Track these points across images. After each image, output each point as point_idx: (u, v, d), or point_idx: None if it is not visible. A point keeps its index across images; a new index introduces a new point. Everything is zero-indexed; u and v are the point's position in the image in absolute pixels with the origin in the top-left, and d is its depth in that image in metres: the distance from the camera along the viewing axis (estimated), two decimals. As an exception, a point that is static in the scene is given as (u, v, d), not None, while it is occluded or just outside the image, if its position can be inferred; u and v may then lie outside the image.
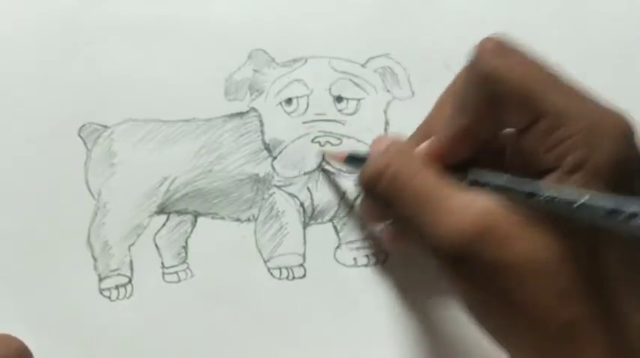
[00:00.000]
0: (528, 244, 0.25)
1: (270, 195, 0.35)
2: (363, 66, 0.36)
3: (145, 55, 0.37)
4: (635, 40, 0.38)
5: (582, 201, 0.23)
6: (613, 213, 0.23)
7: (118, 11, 0.37)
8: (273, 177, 0.35)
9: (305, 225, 0.35)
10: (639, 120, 0.26)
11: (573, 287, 0.25)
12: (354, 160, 0.33)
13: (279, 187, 0.35)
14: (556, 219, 0.25)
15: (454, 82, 0.30)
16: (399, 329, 0.34)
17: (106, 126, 0.36)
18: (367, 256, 0.34)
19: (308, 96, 0.36)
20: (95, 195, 0.35)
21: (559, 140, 0.25)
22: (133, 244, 0.35)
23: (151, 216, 0.35)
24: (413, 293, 0.34)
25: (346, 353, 0.33)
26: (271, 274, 0.34)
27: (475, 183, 0.27)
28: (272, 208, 0.35)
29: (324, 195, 0.35)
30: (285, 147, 0.35)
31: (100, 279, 0.34)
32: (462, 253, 0.25)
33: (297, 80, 0.36)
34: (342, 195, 0.35)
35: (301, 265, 0.34)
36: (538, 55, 0.27)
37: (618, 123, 0.25)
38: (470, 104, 0.27)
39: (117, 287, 0.34)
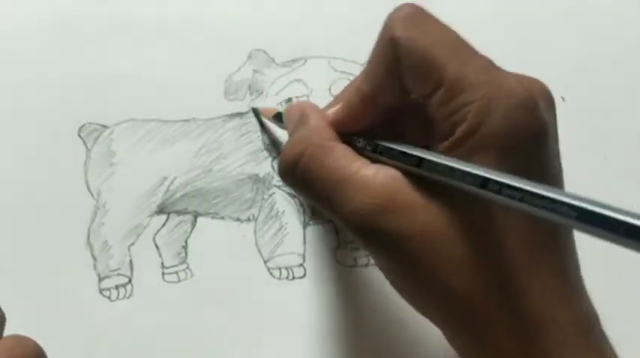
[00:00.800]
0: (427, 214, 0.25)
1: (270, 195, 0.35)
2: (362, 66, 0.36)
3: (145, 55, 0.37)
4: (635, 40, 0.38)
5: (458, 170, 0.24)
6: (485, 184, 0.23)
7: (118, 11, 0.37)
8: (273, 177, 0.35)
9: (305, 225, 0.35)
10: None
11: (469, 258, 0.25)
12: (279, 119, 0.33)
13: (279, 187, 0.35)
14: (450, 189, 0.25)
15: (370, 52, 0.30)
16: (399, 330, 0.34)
17: (106, 126, 0.36)
18: (367, 256, 0.35)
19: (308, 96, 0.36)
20: (95, 195, 0.35)
21: (455, 108, 0.25)
22: (132, 244, 0.35)
23: (150, 216, 0.35)
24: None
25: (346, 352, 0.33)
26: (271, 274, 0.34)
27: (376, 149, 0.27)
28: (272, 208, 0.35)
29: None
30: (285, 147, 0.35)
31: (100, 279, 0.34)
32: (368, 226, 0.26)
33: (297, 80, 0.36)
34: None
35: (301, 265, 0.34)
36: (448, 26, 0.27)
37: (516, 93, 0.25)
38: (372, 71, 0.28)
39: (117, 287, 0.34)
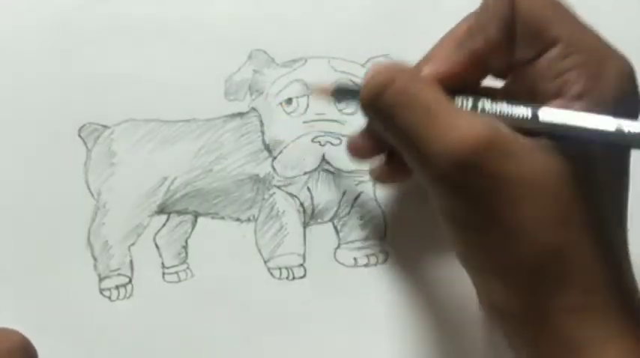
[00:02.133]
0: (532, 164, 0.25)
1: (271, 195, 0.35)
2: (363, 66, 0.36)
3: (145, 55, 0.37)
4: (636, 40, 0.38)
5: (588, 122, 0.25)
6: (618, 132, 0.24)
7: (118, 11, 0.37)
8: (273, 177, 0.35)
9: (305, 225, 0.35)
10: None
11: (569, 214, 0.25)
12: (342, 93, 0.32)
13: (279, 187, 0.35)
14: (558, 145, 0.25)
15: (466, 17, 0.30)
16: (400, 329, 0.34)
17: (106, 126, 0.36)
18: (367, 256, 0.35)
19: (308, 96, 0.36)
20: (95, 195, 0.35)
21: (567, 68, 0.26)
22: (133, 244, 0.35)
23: (151, 216, 0.35)
24: (413, 293, 0.34)
25: (346, 352, 0.33)
26: (271, 274, 0.34)
27: (475, 108, 0.27)
28: (272, 208, 0.35)
29: (324, 195, 0.35)
30: (285, 147, 0.35)
31: (100, 279, 0.34)
32: (466, 162, 0.25)
33: (297, 80, 0.36)
34: (342, 195, 0.35)
35: (301, 265, 0.34)
36: None
37: (623, 63, 0.26)
38: (484, 28, 0.27)
39: (117, 287, 0.34)
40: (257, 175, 0.35)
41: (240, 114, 0.36)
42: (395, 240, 0.35)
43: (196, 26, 0.37)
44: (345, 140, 0.34)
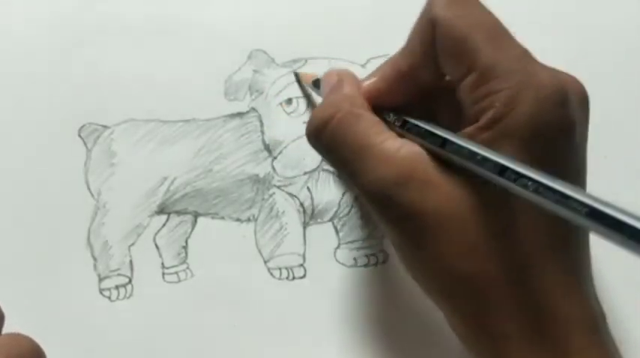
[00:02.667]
0: (444, 193, 0.25)
1: (270, 195, 0.35)
2: (363, 66, 0.36)
3: (145, 55, 0.37)
4: (636, 40, 0.38)
5: (477, 157, 0.24)
6: (502, 171, 0.23)
7: (118, 11, 0.37)
8: (273, 177, 0.35)
9: (305, 225, 0.35)
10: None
11: (481, 241, 0.25)
12: (318, 84, 0.33)
13: (279, 187, 0.35)
14: (473, 173, 0.25)
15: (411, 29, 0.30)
16: (400, 330, 0.34)
17: (106, 126, 0.36)
18: (367, 256, 0.35)
19: (308, 96, 0.36)
20: (95, 195, 0.35)
21: (484, 94, 0.25)
22: (133, 244, 0.35)
23: (151, 216, 0.35)
24: (413, 294, 0.34)
25: (346, 352, 0.33)
26: (271, 274, 0.34)
27: (404, 125, 0.28)
28: (272, 208, 0.35)
29: (324, 195, 0.35)
30: (285, 147, 0.35)
31: (100, 279, 0.34)
32: (385, 197, 0.26)
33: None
34: (342, 195, 0.35)
35: (301, 265, 0.34)
36: (489, 11, 0.27)
37: (546, 86, 0.25)
38: (411, 48, 0.28)
39: (117, 287, 0.34)
40: (257, 175, 0.35)
41: (240, 114, 0.36)
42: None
43: (196, 26, 0.37)
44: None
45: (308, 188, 0.35)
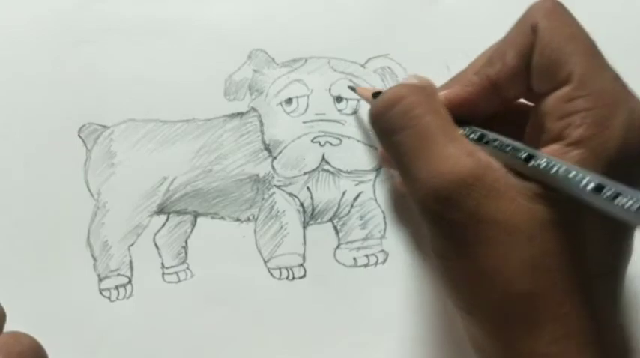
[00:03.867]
0: (511, 204, 0.24)
1: (270, 195, 0.35)
2: (362, 66, 0.36)
3: (144, 55, 0.37)
4: (635, 40, 0.38)
5: (570, 175, 0.23)
6: (597, 189, 0.22)
7: (118, 11, 0.37)
8: (273, 177, 0.35)
9: (305, 225, 0.35)
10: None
11: (543, 259, 0.24)
12: None
13: (279, 187, 0.35)
14: (547, 189, 0.24)
15: (491, 45, 0.30)
16: (400, 329, 0.34)
17: (106, 126, 0.36)
18: (367, 256, 0.34)
19: (308, 96, 0.36)
20: (95, 195, 0.35)
21: (573, 111, 0.25)
22: (132, 244, 0.35)
23: (150, 216, 0.35)
24: (413, 293, 0.34)
25: (346, 353, 0.33)
26: (271, 274, 0.34)
27: (480, 140, 0.27)
28: (272, 208, 0.35)
29: (324, 195, 0.35)
30: (285, 147, 0.35)
31: (100, 279, 0.34)
32: (447, 195, 0.25)
33: (297, 80, 0.36)
34: (342, 195, 0.35)
35: (301, 265, 0.34)
36: (585, 29, 0.27)
37: (636, 110, 0.25)
38: (503, 55, 0.27)
39: (117, 287, 0.34)
40: (257, 175, 0.35)
41: (240, 114, 0.36)
42: (395, 240, 0.35)
43: (196, 26, 0.37)
44: (344, 140, 0.34)
45: (308, 188, 0.35)
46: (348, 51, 0.36)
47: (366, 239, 0.35)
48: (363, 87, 0.35)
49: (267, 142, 0.35)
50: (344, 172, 0.35)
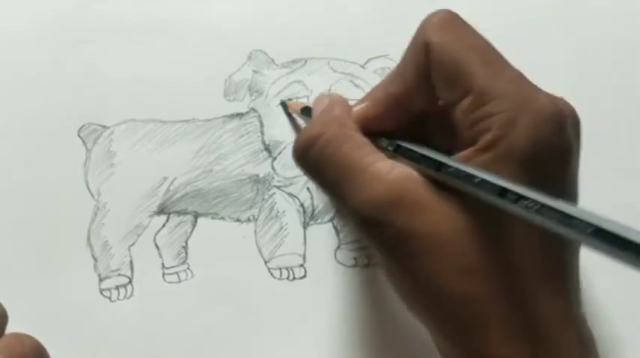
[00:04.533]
0: (437, 215, 0.25)
1: (270, 195, 0.35)
2: (362, 66, 0.36)
3: (144, 55, 0.37)
4: (636, 40, 0.38)
5: (475, 179, 0.24)
6: (503, 193, 0.23)
7: (118, 11, 0.37)
8: (273, 177, 0.35)
9: (305, 226, 0.35)
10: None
11: (476, 263, 0.25)
12: (307, 113, 0.33)
13: (279, 188, 0.35)
14: (466, 196, 0.25)
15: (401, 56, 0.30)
16: (399, 330, 0.34)
17: (105, 126, 0.36)
18: (367, 256, 0.35)
19: (308, 97, 0.36)
20: (95, 196, 0.35)
21: (480, 117, 0.25)
22: (133, 244, 0.35)
23: (150, 217, 0.35)
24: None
25: (346, 353, 0.33)
26: (271, 274, 0.34)
27: (397, 150, 0.27)
28: (272, 208, 0.35)
29: (324, 196, 0.35)
30: (285, 147, 0.35)
31: (100, 279, 0.34)
32: (375, 219, 0.26)
33: (297, 81, 0.36)
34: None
35: (301, 265, 0.34)
36: (482, 35, 0.27)
37: (544, 109, 0.25)
38: (403, 73, 0.28)
39: (117, 287, 0.34)
40: (257, 175, 0.35)
41: (240, 115, 0.36)
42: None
43: (196, 26, 0.37)
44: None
45: (308, 188, 0.35)
46: (347, 51, 0.36)
47: (366, 239, 0.35)
48: (292, 101, 0.35)
49: (267, 143, 0.35)
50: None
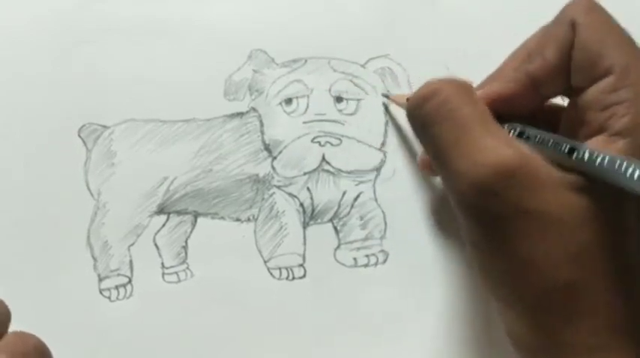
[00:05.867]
0: (555, 195, 0.24)
1: (270, 195, 0.35)
2: (362, 66, 0.36)
3: (144, 55, 0.37)
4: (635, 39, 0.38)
5: (615, 164, 0.23)
6: None
7: (118, 11, 0.37)
8: (273, 177, 0.35)
9: (305, 225, 0.35)
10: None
11: (586, 250, 0.24)
12: None
13: (279, 187, 0.35)
14: (589, 180, 0.24)
15: (527, 39, 0.30)
16: (399, 330, 0.34)
17: (105, 126, 0.36)
18: (367, 256, 0.34)
19: (308, 96, 0.36)
20: (95, 195, 0.35)
21: (616, 101, 0.25)
22: (132, 244, 0.35)
23: (150, 216, 0.35)
24: (413, 294, 0.34)
25: (346, 353, 0.33)
26: (271, 274, 0.34)
27: (521, 136, 0.27)
28: (272, 208, 0.35)
29: (323, 196, 0.35)
30: (285, 147, 0.35)
31: (100, 279, 0.34)
32: (489, 186, 0.25)
33: (297, 80, 0.36)
34: (342, 195, 0.35)
35: (301, 265, 0.34)
36: (621, 25, 0.27)
37: None
38: (542, 52, 0.27)
39: (117, 287, 0.34)
40: (257, 175, 0.35)
41: (240, 114, 0.36)
42: (395, 240, 0.35)
43: (196, 26, 0.37)
44: (344, 140, 0.35)
45: (308, 188, 0.35)
46: (348, 51, 0.36)
47: (366, 239, 0.35)
48: (396, 94, 0.35)
49: (267, 142, 0.35)
50: (344, 172, 0.35)
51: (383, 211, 0.35)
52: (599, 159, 0.24)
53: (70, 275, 0.34)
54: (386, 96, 0.36)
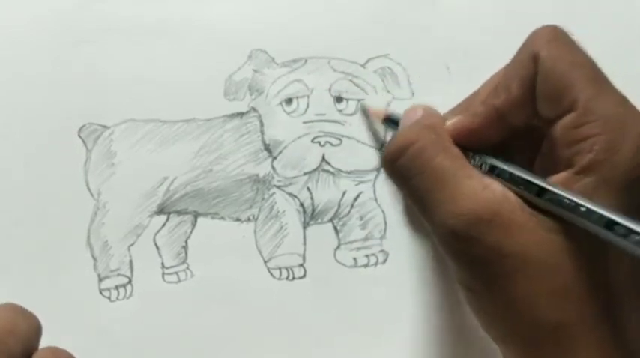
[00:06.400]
0: (532, 236, 0.25)
1: (270, 195, 0.35)
2: (362, 66, 0.36)
3: (144, 55, 0.37)
4: (636, 39, 0.38)
5: (581, 209, 0.23)
6: (610, 225, 0.22)
7: (118, 11, 0.37)
8: (273, 177, 0.35)
9: (305, 225, 0.35)
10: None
11: (570, 288, 0.24)
12: (390, 122, 0.33)
13: (279, 187, 0.35)
14: (563, 220, 0.24)
15: (497, 72, 0.30)
16: (399, 330, 0.34)
17: (106, 126, 0.36)
18: (367, 256, 0.34)
19: (308, 96, 0.36)
20: (95, 195, 0.35)
21: (583, 136, 0.25)
22: (132, 244, 0.35)
23: (150, 216, 0.35)
24: (413, 294, 0.34)
25: (346, 353, 0.33)
26: (271, 274, 0.34)
27: (493, 170, 0.27)
28: (272, 208, 0.35)
29: (324, 196, 0.35)
30: (285, 147, 0.35)
31: (100, 279, 0.34)
32: (468, 233, 0.25)
33: (297, 80, 0.36)
34: (342, 195, 0.35)
35: (301, 265, 0.34)
36: (587, 53, 0.27)
37: None
38: (507, 85, 0.27)
39: (117, 287, 0.34)
40: (257, 175, 0.35)
41: (240, 114, 0.36)
42: (395, 240, 0.35)
43: (196, 26, 0.37)
44: (344, 140, 0.34)
45: (308, 188, 0.35)
46: (348, 51, 0.36)
47: (366, 239, 0.35)
48: (374, 108, 0.35)
49: (267, 142, 0.35)
50: (344, 172, 0.35)
51: (383, 211, 0.35)
52: (565, 204, 0.24)
53: (70, 275, 0.34)
54: (364, 109, 0.35)
